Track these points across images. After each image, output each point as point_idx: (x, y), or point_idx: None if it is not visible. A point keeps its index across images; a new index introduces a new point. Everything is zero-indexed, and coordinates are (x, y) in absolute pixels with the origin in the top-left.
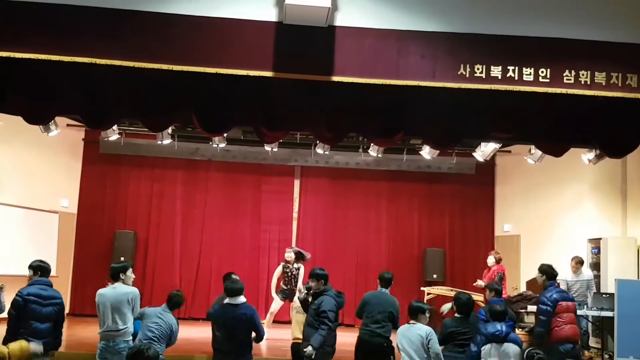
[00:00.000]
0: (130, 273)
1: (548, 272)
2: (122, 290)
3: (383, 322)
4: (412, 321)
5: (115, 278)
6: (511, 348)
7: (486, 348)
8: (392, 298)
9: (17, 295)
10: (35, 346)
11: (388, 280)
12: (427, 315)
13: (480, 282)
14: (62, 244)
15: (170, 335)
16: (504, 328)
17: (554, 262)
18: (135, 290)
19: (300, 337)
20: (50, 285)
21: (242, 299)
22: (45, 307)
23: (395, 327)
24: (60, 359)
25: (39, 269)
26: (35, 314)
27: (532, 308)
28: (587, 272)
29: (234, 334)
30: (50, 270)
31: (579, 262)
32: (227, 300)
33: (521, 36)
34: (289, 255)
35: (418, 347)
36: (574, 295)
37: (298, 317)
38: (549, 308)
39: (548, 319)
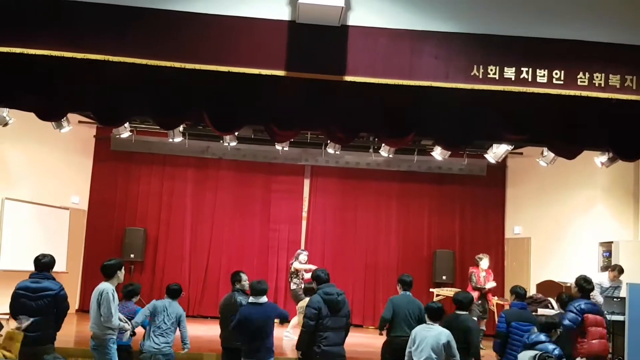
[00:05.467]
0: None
1: (582, 287)
2: (99, 288)
3: (414, 326)
4: (429, 322)
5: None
6: None
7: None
8: (417, 301)
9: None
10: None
11: (410, 283)
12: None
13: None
14: (72, 240)
15: (179, 322)
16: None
17: (565, 265)
18: (106, 287)
19: None
20: (47, 278)
21: (265, 298)
22: (35, 301)
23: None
24: (70, 354)
25: (34, 262)
26: (24, 307)
27: (542, 311)
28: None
29: (259, 332)
30: (46, 263)
31: (621, 271)
32: (251, 299)
33: (535, 37)
34: (304, 258)
35: (434, 347)
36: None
37: (299, 317)
38: (578, 317)
39: (573, 324)
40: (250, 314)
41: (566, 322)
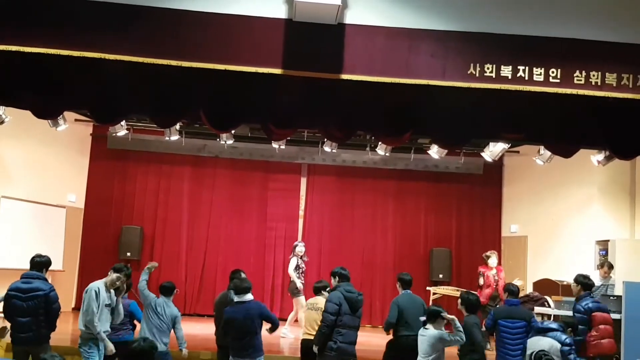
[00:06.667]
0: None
1: (583, 283)
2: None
3: (420, 324)
4: (428, 325)
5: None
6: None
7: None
8: (419, 298)
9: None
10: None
11: (409, 282)
12: (444, 320)
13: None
14: (68, 238)
15: (174, 323)
16: None
17: (561, 263)
18: (91, 286)
19: (310, 333)
20: (39, 278)
21: (249, 296)
22: (26, 301)
23: None
24: (66, 353)
25: (30, 261)
26: (15, 308)
27: (539, 309)
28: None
29: (245, 331)
30: (40, 262)
31: (610, 267)
32: (235, 299)
33: (532, 36)
34: (301, 249)
35: (428, 351)
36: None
37: (309, 313)
38: (585, 316)
39: (587, 327)
40: (234, 312)
41: (580, 327)
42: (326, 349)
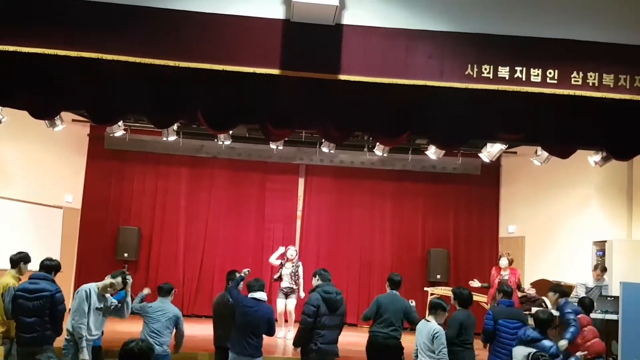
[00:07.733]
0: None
1: (561, 291)
2: None
3: (396, 325)
4: (429, 317)
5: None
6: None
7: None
8: (404, 300)
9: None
10: None
11: (398, 282)
12: (446, 313)
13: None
14: (65, 239)
15: (176, 322)
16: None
17: (558, 264)
18: (81, 287)
19: None
20: (46, 279)
21: (265, 296)
22: (32, 302)
23: (413, 324)
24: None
25: (40, 265)
26: (22, 308)
27: (536, 310)
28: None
29: (253, 329)
30: (48, 265)
31: (604, 270)
32: (255, 296)
33: (529, 37)
34: (292, 253)
35: (427, 342)
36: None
37: None
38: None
39: (578, 328)
40: (252, 307)
41: (573, 327)
42: (307, 351)
